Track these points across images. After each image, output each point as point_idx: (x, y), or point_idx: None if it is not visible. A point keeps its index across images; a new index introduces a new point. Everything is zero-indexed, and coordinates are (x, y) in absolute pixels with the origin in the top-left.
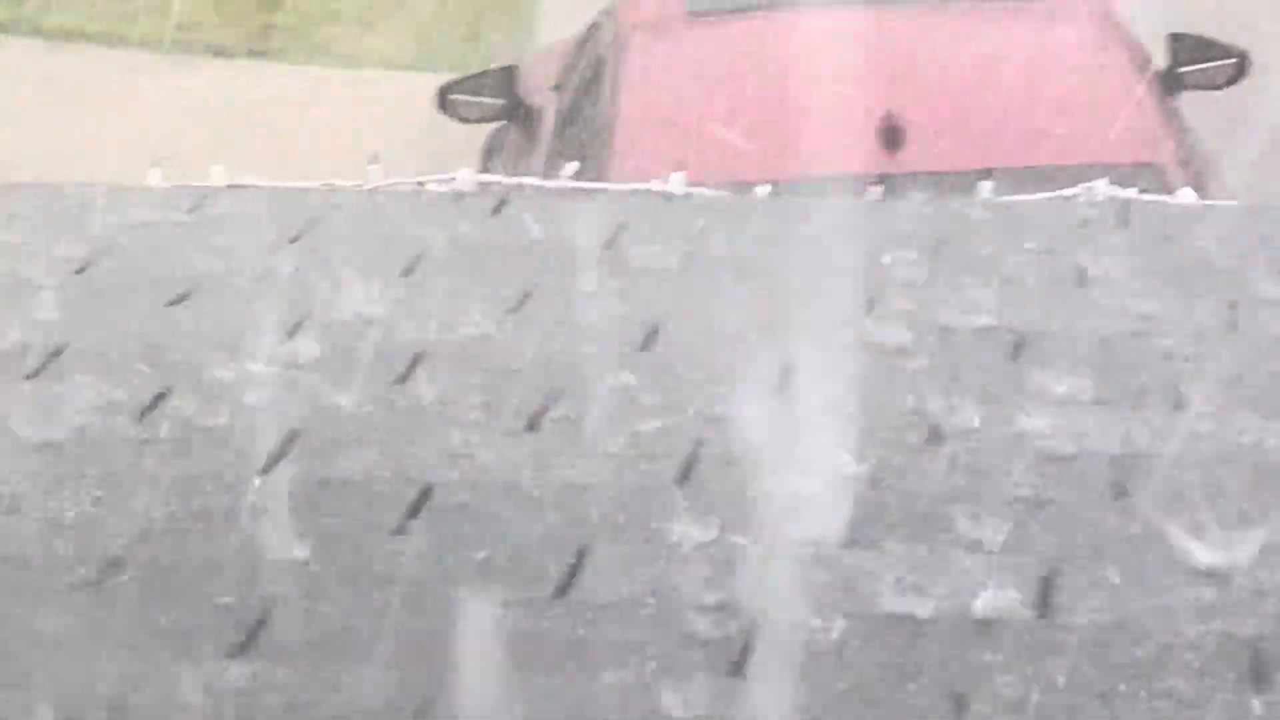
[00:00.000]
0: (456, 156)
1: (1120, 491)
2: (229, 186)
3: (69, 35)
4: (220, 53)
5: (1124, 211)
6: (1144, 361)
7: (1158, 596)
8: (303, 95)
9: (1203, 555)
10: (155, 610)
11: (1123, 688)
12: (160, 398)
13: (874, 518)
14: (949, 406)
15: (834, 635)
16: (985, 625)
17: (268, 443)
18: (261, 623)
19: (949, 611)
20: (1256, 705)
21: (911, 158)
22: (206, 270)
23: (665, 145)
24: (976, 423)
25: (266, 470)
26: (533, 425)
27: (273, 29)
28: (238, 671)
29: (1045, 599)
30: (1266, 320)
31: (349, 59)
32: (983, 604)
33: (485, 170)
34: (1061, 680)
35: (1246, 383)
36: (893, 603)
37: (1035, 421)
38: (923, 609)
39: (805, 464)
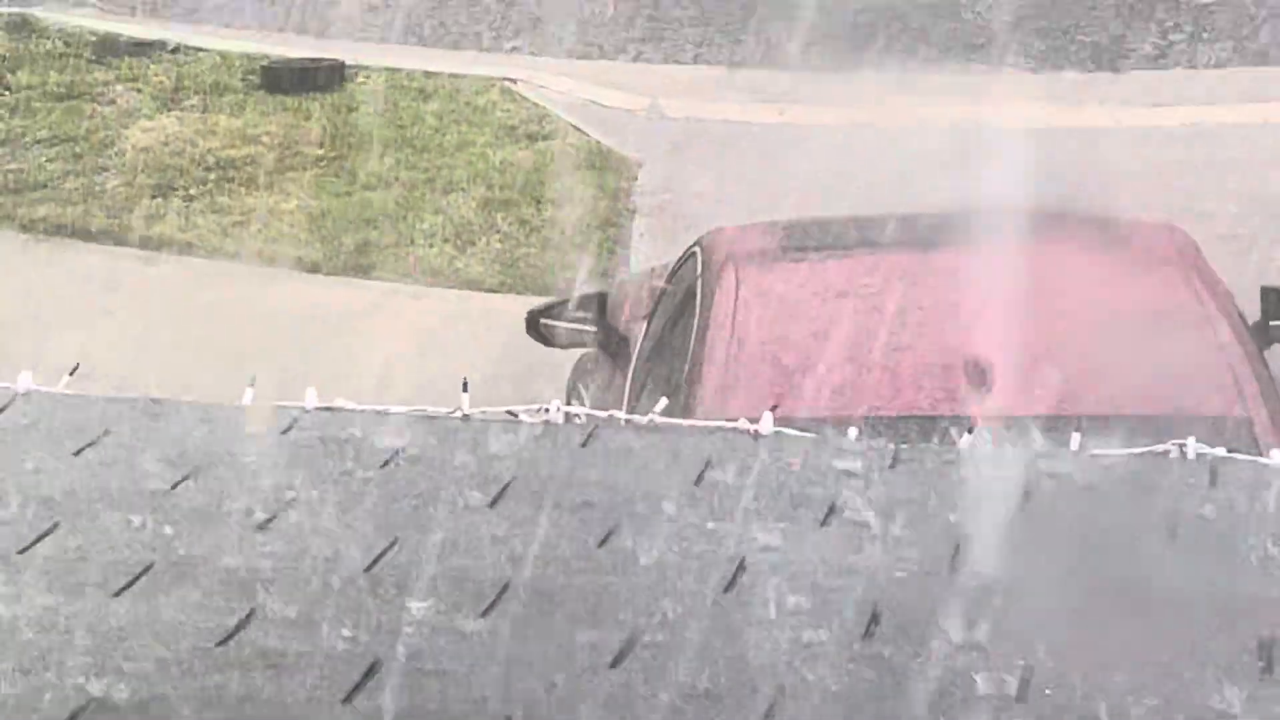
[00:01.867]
0: (542, 379)
1: None
2: (320, 409)
3: (167, 246)
4: (313, 268)
5: (1215, 469)
6: (1236, 622)
7: None
8: (393, 312)
9: None
10: None
11: None
12: (244, 622)
13: None
14: (1036, 661)
15: None
16: None
17: (350, 672)
18: None
19: None
20: None
21: (999, 401)
22: (296, 494)
23: (753, 381)
24: (1063, 676)
25: (348, 700)
26: (616, 663)
27: (366, 247)
28: None
29: None
30: None
31: (439, 278)
32: None
33: (571, 395)
34: None
35: None
36: None
37: (1121, 678)
38: None
39: (887, 711)
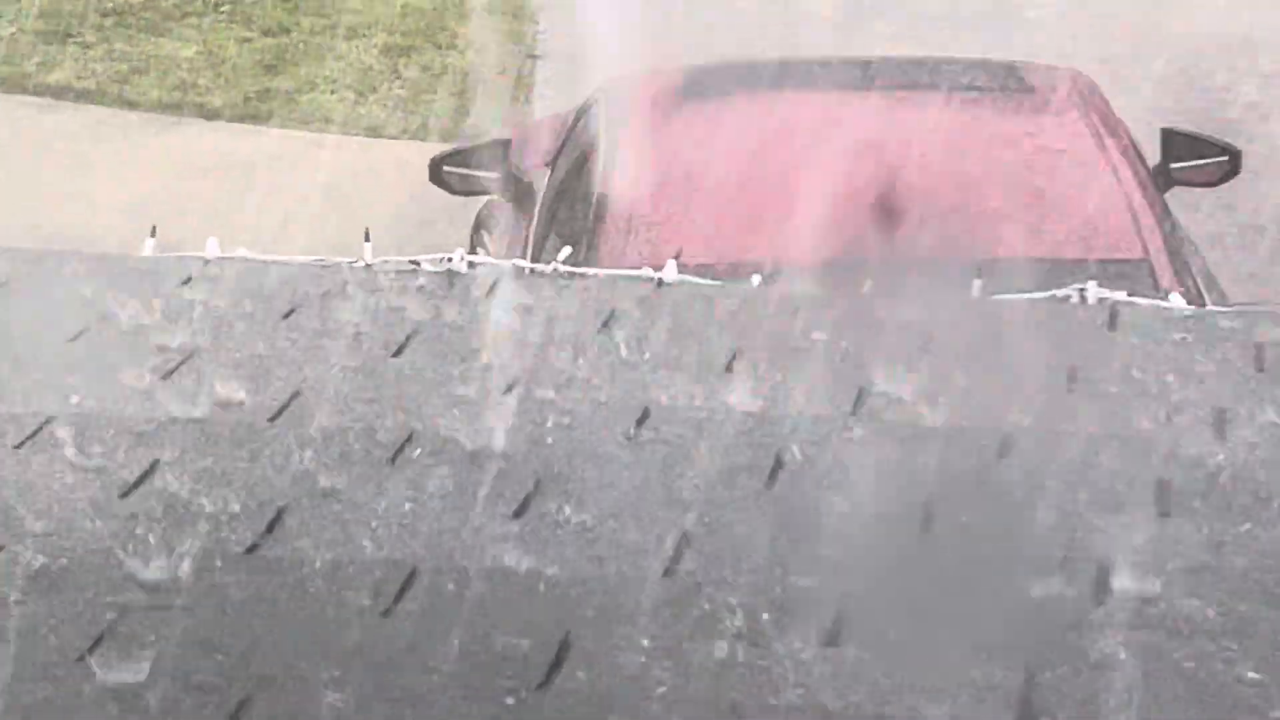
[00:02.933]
0: (446, 226)
1: (1103, 591)
2: (221, 259)
3: (65, 93)
4: (213, 115)
5: (1115, 313)
6: (1136, 464)
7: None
8: (294, 160)
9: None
10: (136, 688)
11: None
12: (147, 473)
13: (851, 615)
14: (933, 502)
15: None
16: None
17: (254, 522)
18: (244, 705)
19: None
20: None
21: (900, 245)
22: (199, 343)
23: (656, 228)
24: (962, 520)
25: (251, 550)
26: (520, 512)
27: (266, 94)
28: None
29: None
30: (1250, 427)
31: (341, 126)
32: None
33: (474, 242)
34: None
35: (1230, 490)
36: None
37: (1019, 522)
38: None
39: (790, 555)
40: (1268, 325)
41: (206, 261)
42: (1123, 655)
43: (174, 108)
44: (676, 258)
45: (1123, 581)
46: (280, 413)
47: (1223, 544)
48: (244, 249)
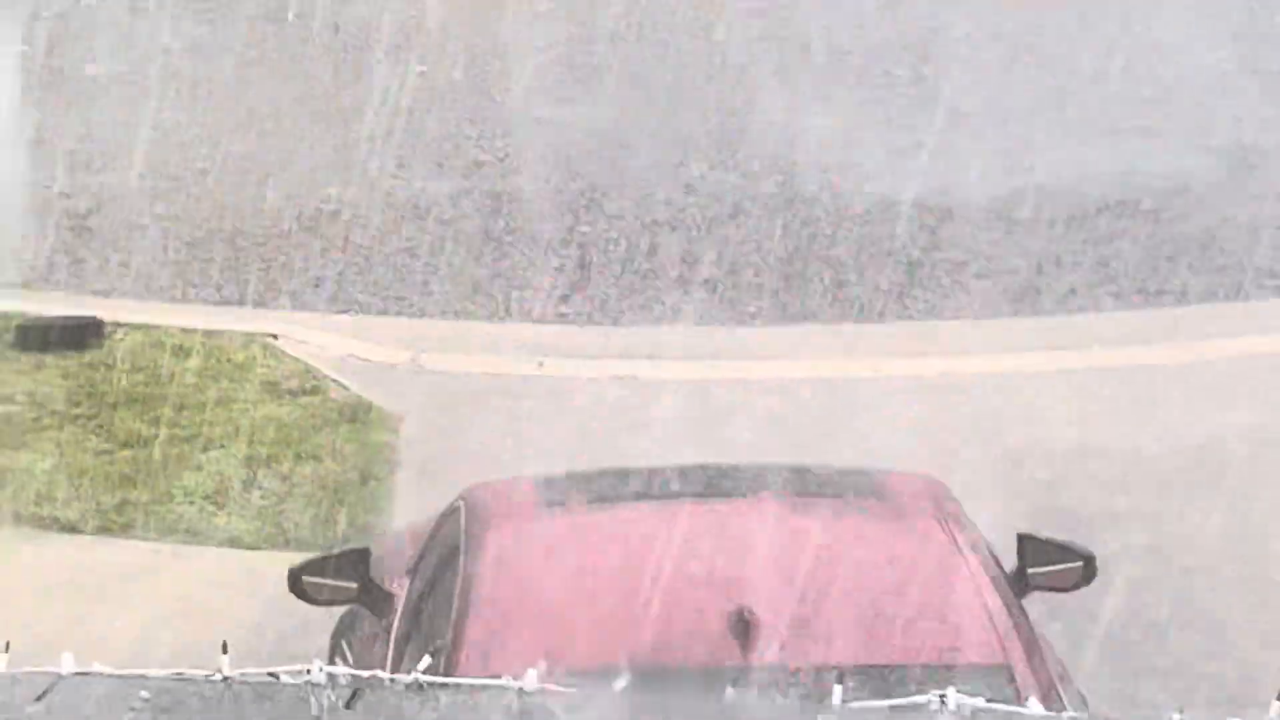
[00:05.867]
0: (306, 637)
1: None
2: (76, 674)
3: None
4: (70, 528)
5: (974, 718)
6: None
7: None
8: (152, 572)
9: None
10: None
11: None
12: None
13: None
14: None
15: None
16: None
17: None
18: None
19: None
20: None
21: (763, 651)
22: None
23: (517, 636)
24: None
25: None
26: None
27: (124, 505)
28: None
29: None
30: None
31: (199, 537)
32: None
33: (334, 652)
34: None
35: None
36: None
37: None
38: None
39: None
40: None
41: (61, 677)
42: None
43: (30, 521)
44: (539, 666)
45: None
46: None
47: None
48: (99, 663)
